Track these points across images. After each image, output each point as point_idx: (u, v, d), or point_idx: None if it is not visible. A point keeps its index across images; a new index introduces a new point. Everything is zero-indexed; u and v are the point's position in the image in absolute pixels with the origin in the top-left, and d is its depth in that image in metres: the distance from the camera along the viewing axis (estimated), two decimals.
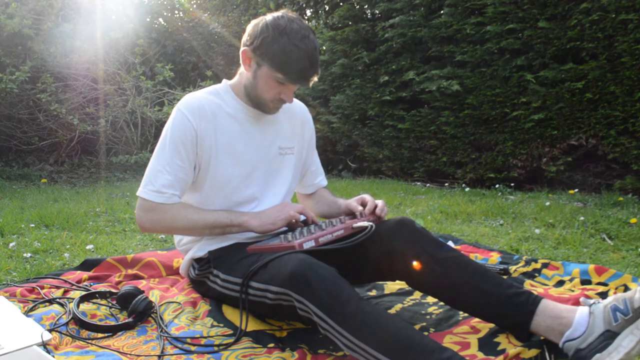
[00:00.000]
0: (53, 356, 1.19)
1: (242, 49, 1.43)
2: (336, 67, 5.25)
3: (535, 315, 1.20)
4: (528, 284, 1.68)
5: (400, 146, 4.77)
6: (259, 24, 1.40)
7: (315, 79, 1.42)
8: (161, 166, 1.42)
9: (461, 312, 1.45)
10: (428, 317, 1.47)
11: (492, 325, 1.33)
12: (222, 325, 1.40)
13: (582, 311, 1.17)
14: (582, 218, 2.59)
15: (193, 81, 6.41)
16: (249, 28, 1.43)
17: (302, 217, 1.53)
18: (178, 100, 1.54)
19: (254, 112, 1.52)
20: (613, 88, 3.36)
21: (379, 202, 1.51)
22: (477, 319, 1.37)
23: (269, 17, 1.39)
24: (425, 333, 1.34)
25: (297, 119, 1.66)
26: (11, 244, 2.28)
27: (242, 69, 1.49)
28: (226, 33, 6.89)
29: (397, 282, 1.69)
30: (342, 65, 5.19)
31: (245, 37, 1.43)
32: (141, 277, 1.86)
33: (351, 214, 1.53)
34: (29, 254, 2.13)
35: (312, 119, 1.74)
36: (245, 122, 1.52)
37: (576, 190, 3.58)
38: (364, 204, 1.53)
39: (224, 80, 1.57)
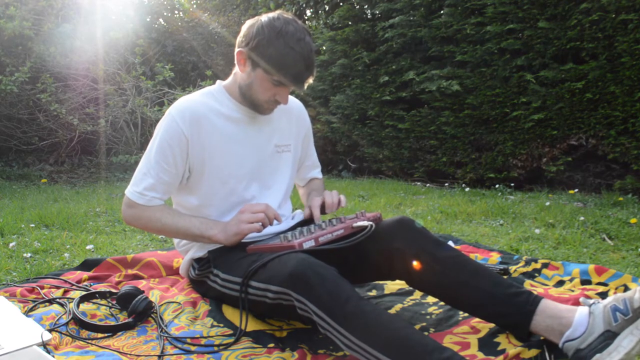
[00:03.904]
0: (53, 356, 1.19)
1: (237, 49, 1.43)
2: (336, 67, 5.24)
3: (535, 315, 1.20)
4: (528, 284, 1.68)
5: (400, 146, 4.77)
6: (255, 25, 1.39)
7: (311, 81, 1.42)
8: (146, 169, 1.47)
9: (461, 312, 1.45)
10: (428, 317, 1.47)
11: (492, 325, 1.33)
12: (222, 325, 1.40)
13: (581, 311, 1.17)
14: (582, 218, 2.58)
15: (193, 81, 6.41)
16: (244, 29, 1.42)
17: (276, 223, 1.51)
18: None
19: (249, 112, 1.51)
20: (613, 88, 3.36)
21: (327, 198, 1.55)
22: (477, 319, 1.37)
23: (265, 18, 1.38)
24: (425, 333, 1.33)
25: (292, 115, 1.66)
26: (11, 244, 2.28)
27: (236, 69, 1.48)
28: (226, 33, 6.89)
29: (397, 282, 1.69)
30: (342, 65, 5.19)
31: (240, 38, 1.42)
32: (141, 277, 1.86)
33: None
34: (29, 254, 2.13)
35: (307, 114, 1.74)
36: (241, 122, 1.52)
37: (576, 190, 3.58)
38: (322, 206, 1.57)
39: (218, 82, 1.57)
